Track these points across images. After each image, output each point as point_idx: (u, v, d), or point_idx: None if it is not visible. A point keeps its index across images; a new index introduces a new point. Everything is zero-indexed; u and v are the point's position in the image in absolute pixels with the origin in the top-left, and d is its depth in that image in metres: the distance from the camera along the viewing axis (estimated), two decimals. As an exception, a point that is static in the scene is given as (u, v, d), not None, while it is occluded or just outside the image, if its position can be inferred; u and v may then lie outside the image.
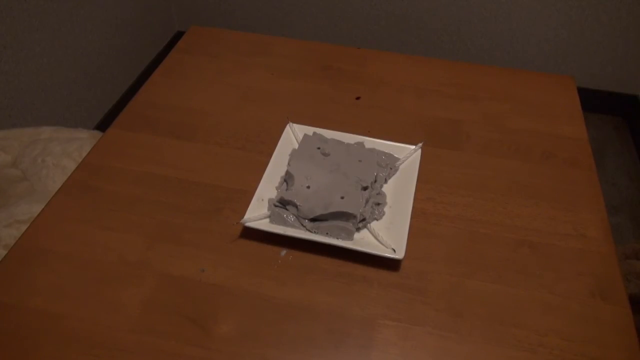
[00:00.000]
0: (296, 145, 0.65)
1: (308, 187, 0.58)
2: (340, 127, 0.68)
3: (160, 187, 0.62)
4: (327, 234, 0.54)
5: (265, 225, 0.55)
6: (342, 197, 0.56)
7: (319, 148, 0.63)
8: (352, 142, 0.65)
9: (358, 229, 0.56)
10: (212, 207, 0.60)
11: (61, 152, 0.87)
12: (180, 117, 0.72)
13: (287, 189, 0.59)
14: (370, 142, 0.65)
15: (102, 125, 1.37)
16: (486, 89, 0.77)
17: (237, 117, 0.72)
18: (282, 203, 0.57)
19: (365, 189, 0.58)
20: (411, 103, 0.75)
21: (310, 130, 0.66)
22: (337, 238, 0.54)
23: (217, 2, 1.64)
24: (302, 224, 0.56)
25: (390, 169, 0.63)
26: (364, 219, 0.56)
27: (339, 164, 0.60)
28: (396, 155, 0.64)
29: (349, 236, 0.55)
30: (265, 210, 0.57)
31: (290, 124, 0.67)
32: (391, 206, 0.59)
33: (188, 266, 0.54)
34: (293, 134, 0.67)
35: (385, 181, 0.62)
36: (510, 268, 0.54)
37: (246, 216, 0.56)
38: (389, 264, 0.54)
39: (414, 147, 0.64)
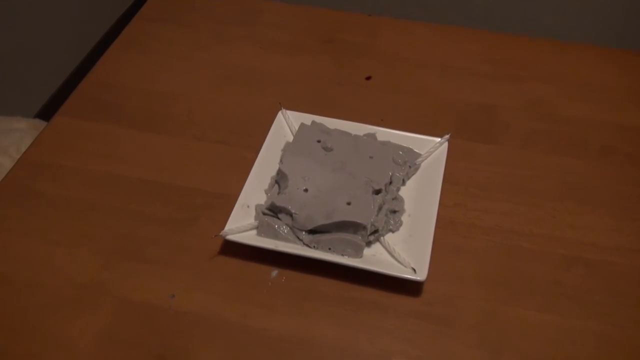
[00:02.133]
0: (291, 138, 0.65)
1: (305, 190, 0.58)
2: (347, 115, 0.67)
3: (120, 190, 0.62)
4: (329, 249, 0.55)
5: (251, 238, 0.56)
6: (349, 203, 0.56)
7: (319, 141, 0.63)
8: (361, 133, 0.65)
9: (369, 243, 0.56)
10: (185, 215, 0.60)
11: (-6, 147, 0.88)
12: (145, 103, 0.73)
13: (279, 193, 0.59)
14: (384, 133, 0.65)
15: (46, 113, 1.38)
16: (529, 66, 0.78)
17: (216, 103, 0.73)
18: (273, 210, 0.57)
19: (377, 192, 0.58)
20: (435, 84, 0.75)
21: (308, 118, 0.66)
22: (342, 255, 0.55)
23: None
24: (298, 237, 0.56)
25: (409, 167, 0.63)
26: (376, 231, 0.56)
27: (344, 161, 0.61)
28: (416, 150, 0.64)
29: (357, 252, 0.55)
30: (251, 220, 0.58)
31: (284, 110, 0.67)
32: (410, 214, 0.59)
33: (155, 290, 0.54)
34: (287, 124, 0.67)
35: (403, 183, 0.62)
36: (561, 292, 0.55)
37: (227, 227, 0.56)
38: (407, 288, 0.54)
39: (438, 139, 0.64)
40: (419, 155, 0.64)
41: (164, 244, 0.58)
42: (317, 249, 0.55)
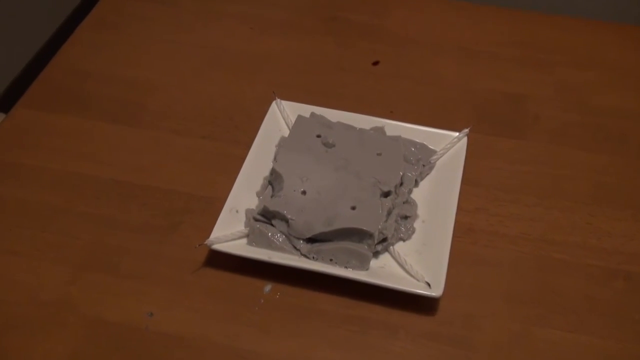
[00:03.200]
0: (286, 132, 0.65)
1: (303, 192, 0.58)
2: (351, 106, 0.67)
3: (89, 193, 0.62)
4: (330, 260, 0.55)
5: (241, 248, 0.56)
6: (353, 208, 0.56)
7: (319, 136, 0.62)
8: (367, 127, 0.65)
9: (376, 254, 0.56)
10: (165, 222, 0.60)
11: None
12: (119, 92, 0.73)
13: (272, 196, 0.58)
14: (394, 127, 0.65)
15: (3, 104, 1.38)
16: (561, 49, 0.78)
17: (200, 92, 0.73)
18: (266, 216, 0.57)
19: (386, 195, 0.58)
20: (453, 70, 0.75)
21: (306, 109, 0.66)
22: (346, 267, 0.54)
23: None
24: (294, 247, 0.56)
25: (423, 166, 0.62)
26: (384, 239, 0.56)
27: (348, 159, 0.60)
28: (431, 147, 0.64)
29: (363, 264, 0.55)
30: (241, 227, 0.57)
31: (278, 101, 0.67)
32: (424, 220, 0.59)
33: (129, 308, 0.54)
34: (282, 116, 0.67)
35: (416, 184, 0.62)
36: (597, 310, 0.54)
37: (213, 235, 0.56)
38: (420, 305, 0.54)
39: (457, 134, 0.64)
40: (434, 152, 0.64)
41: (140, 254, 0.58)
42: (316, 260, 0.55)
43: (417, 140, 0.64)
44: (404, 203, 0.60)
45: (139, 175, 0.64)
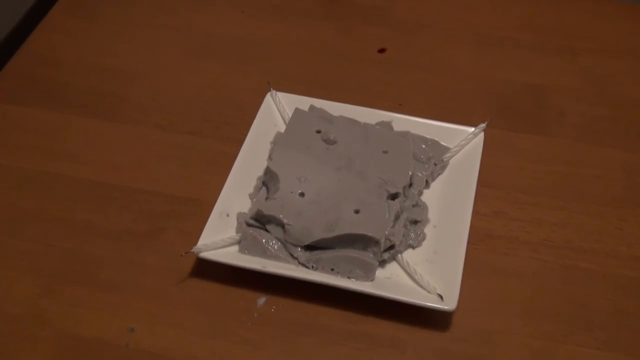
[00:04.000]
0: (282, 128, 0.65)
1: (302, 194, 0.58)
2: (354, 98, 0.67)
3: (63, 195, 0.62)
4: (332, 270, 0.55)
5: (232, 256, 0.55)
6: (357, 211, 0.56)
7: (319, 131, 0.62)
8: (372, 121, 0.65)
9: (382, 263, 0.56)
10: (147, 227, 0.60)
11: None
12: (96, 83, 0.73)
13: (267, 198, 0.58)
14: (403, 121, 0.65)
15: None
16: (588, 35, 0.77)
17: (187, 83, 0.72)
18: (260, 221, 0.57)
19: (394, 197, 0.58)
20: (468, 59, 0.75)
21: (305, 102, 0.66)
22: (349, 277, 0.54)
23: None
24: (291, 255, 0.56)
25: (435, 164, 0.62)
26: (392, 247, 0.56)
27: (351, 157, 0.60)
28: (444, 144, 0.64)
29: (368, 274, 0.54)
30: (232, 233, 0.57)
31: (273, 92, 0.67)
32: (436, 225, 0.59)
33: (108, 323, 0.54)
34: (277, 109, 0.66)
35: (427, 185, 0.62)
36: (629, 325, 0.54)
37: (201, 242, 0.55)
38: (432, 320, 0.54)
39: (472, 129, 0.64)
40: (447, 149, 0.63)
41: (120, 263, 0.57)
42: (316, 269, 0.55)
43: (428, 137, 0.64)
44: (413, 206, 0.59)
45: (119, 176, 0.64)
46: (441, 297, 0.52)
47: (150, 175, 0.64)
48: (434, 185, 0.62)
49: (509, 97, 0.71)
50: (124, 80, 0.72)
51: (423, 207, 0.60)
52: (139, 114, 0.69)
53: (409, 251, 0.58)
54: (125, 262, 0.58)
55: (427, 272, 0.55)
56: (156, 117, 0.69)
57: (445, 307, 0.52)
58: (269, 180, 0.60)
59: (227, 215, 0.59)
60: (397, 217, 0.57)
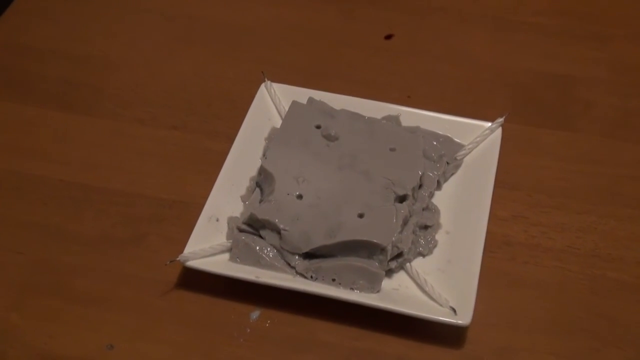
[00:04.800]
0: (278, 122, 0.65)
1: (300, 196, 0.58)
2: (358, 90, 0.67)
3: (34, 197, 0.62)
4: (333, 280, 0.55)
5: (222, 265, 0.55)
6: (361, 215, 0.56)
7: (319, 127, 0.62)
8: (378, 116, 0.64)
9: (389, 272, 0.56)
10: (127, 233, 0.60)
11: None
12: (69, 72, 0.72)
13: (262, 201, 0.58)
14: (412, 115, 0.65)
15: None
16: (619, 20, 0.77)
17: (171, 72, 0.72)
18: (254, 226, 0.57)
19: (402, 199, 0.58)
20: (484, 45, 0.75)
21: (303, 94, 0.66)
22: (352, 289, 0.54)
23: None
24: (288, 264, 0.56)
25: (447, 163, 0.62)
26: (400, 255, 0.56)
27: (355, 155, 0.60)
28: (458, 140, 0.64)
29: (374, 285, 0.54)
30: (222, 239, 0.57)
31: (268, 83, 0.67)
32: (449, 232, 0.59)
33: (84, 339, 0.54)
34: (273, 102, 0.66)
35: (439, 186, 0.62)
36: (664, 342, 0.54)
37: (188, 249, 0.55)
38: (444, 335, 0.54)
39: (489, 124, 0.64)
40: (461, 146, 0.63)
41: (97, 273, 0.57)
42: (316, 280, 0.55)
43: (440, 132, 0.64)
44: (423, 210, 0.59)
45: (95, 176, 0.63)
46: (454, 310, 0.52)
47: (131, 176, 0.64)
48: (447, 186, 0.62)
49: (530, 88, 0.71)
50: (100, 70, 0.72)
51: (434, 211, 0.60)
52: (118, 107, 0.69)
53: (419, 259, 0.58)
54: (103, 272, 0.58)
55: (439, 282, 0.55)
56: (137, 110, 0.69)
57: (459, 322, 0.52)
58: (263, 180, 0.60)
59: (217, 219, 0.59)
60: (405, 222, 0.57)
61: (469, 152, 0.64)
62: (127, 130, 0.67)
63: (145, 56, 0.73)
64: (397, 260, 0.56)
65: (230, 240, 0.57)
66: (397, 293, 0.55)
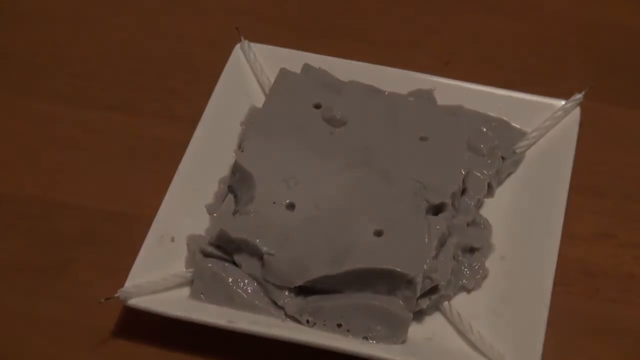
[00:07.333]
0: (260, 99, 0.60)
1: (290, 205, 0.53)
2: (375, 53, 0.64)
3: None
4: (339, 326, 0.49)
5: (179, 305, 0.50)
6: (379, 233, 0.51)
7: (318, 106, 0.58)
8: (404, 90, 0.61)
9: (420, 315, 0.51)
10: (46, 258, 0.55)
11: None
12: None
13: (236, 212, 0.54)
14: (452, 89, 0.61)
15: None
16: None
17: (109, 29, 0.69)
18: (225, 248, 0.52)
19: (437, 210, 0.53)
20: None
21: (296, 59, 0.62)
22: (366, 338, 0.49)
23: None
24: (274, 302, 0.51)
25: (503, 159, 0.58)
26: (434, 289, 0.50)
27: (369, 147, 0.56)
28: (517, 125, 0.59)
29: (397, 333, 0.49)
30: (180, 268, 0.52)
31: (245, 43, 0.63)
32: (504, 256, 0.54)
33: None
34: (252, 70, 0.63)
35: (490, 191, 0.57)
36: None
37: (131, 282, 0.50)
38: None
39: (562, 103, 0.60)
40: (522, 134, 0.59)
41: (4, 315, 0.52)
42: (314, 326, 0.49)
43: (492, 114, 0.59)
44: (467, 225, 0.54)
45: (2, 179, 0.59)
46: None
47: (50, 176, 0.59)
48: (501, 191, 0.57)
49: (619, 53, 0.67)
50: (7, 28, 0.68)
51: (484, 227, 0.55)
52: (31, 77, 0.65)
53: (462, 296, 0.52)
54: (10, 315, 0.52)
55: (491, 329, 0.50)
56: (57, 82, 0.65)
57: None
58: (238, 183, 0.55)
59: (172, 239, 0.53)
60: (442, 243, 0.52)
61: (534, 143, 0.59)
62: (43, 111, 0.63)
63: (72, 7, 0.70)
64: (431, 297, 0.51)
65: (192, 269, 0.52)
66: (430, 345, 0.50)
